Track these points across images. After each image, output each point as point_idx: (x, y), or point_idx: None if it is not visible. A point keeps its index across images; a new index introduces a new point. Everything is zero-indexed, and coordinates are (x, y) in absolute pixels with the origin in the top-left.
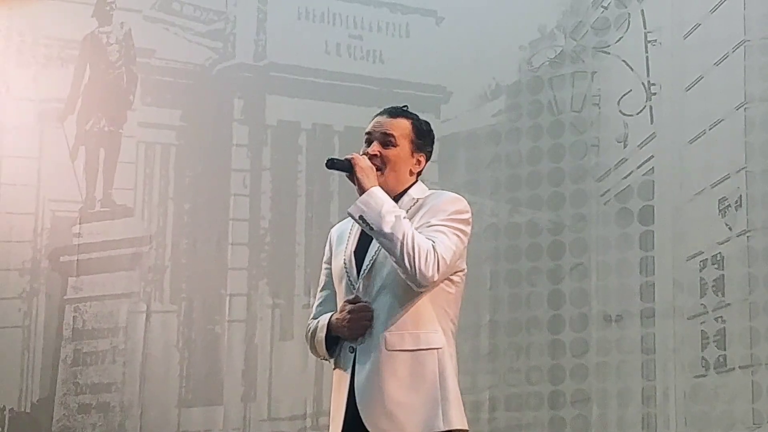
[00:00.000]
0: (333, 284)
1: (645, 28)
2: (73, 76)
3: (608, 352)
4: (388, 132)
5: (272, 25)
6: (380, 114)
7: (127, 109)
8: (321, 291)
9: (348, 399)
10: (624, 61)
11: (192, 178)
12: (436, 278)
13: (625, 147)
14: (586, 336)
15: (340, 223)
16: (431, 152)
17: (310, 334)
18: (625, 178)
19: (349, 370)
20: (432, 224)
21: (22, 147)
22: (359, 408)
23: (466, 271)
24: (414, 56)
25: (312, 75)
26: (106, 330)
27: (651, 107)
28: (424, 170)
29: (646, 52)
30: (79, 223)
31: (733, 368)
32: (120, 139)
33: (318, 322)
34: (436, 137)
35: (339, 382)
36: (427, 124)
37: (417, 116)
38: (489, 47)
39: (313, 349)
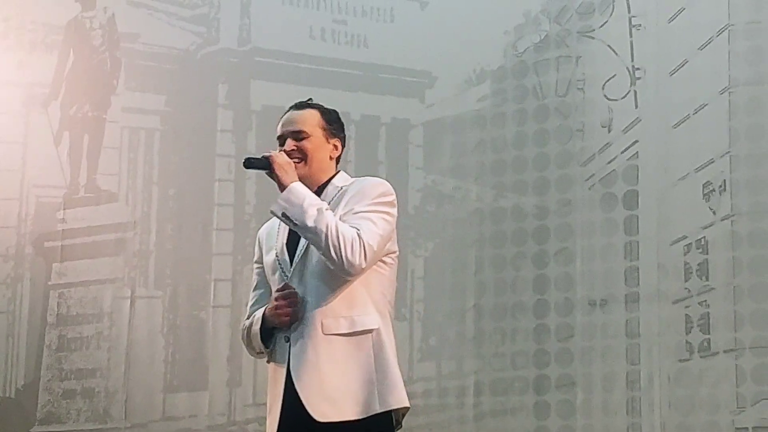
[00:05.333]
0: (265, 282)
1: (629, 13)
2: (57, 61)
3: (593, 337)
4: (297, 129)
5: (256, 9)
6: (286, 112)
7: (111, 94)
8: (254, 291)
9: (285, 389)
10: (608, 45)
11: (176, 163)
12: (364, 266)
13: (609, 131)
14: (571, 321)
15: (268, 222)
16: (345, 138)
17: (245, 332)
18: (610, 162)
19: (285, 361)
20: (357, 211)
21: (7, 132)
22: (300, 394)
23: (398, 252)
24: (399, 41)
25: (296, 60)
26: (91, 315)
27: (635, 92)
28: (410, 156)
29: (631, 36)
30: (64, 209)
31: (717, 352)
32: (104, 125)
33: (252, 317)
34: (420, 122)
35: (274, 374)
36: (335, 111)
37: (322, 105)
38: (474, 32)
39: (249, 346)
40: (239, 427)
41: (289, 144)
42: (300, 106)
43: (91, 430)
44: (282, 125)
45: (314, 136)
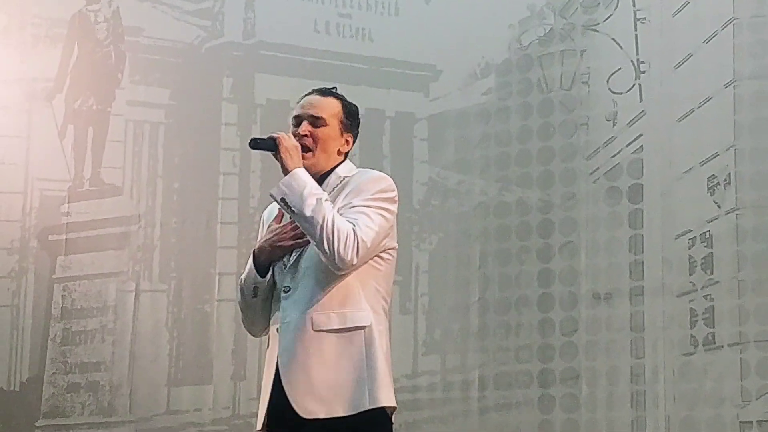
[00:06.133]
0: None
1: (634, 6)
2: (61, 54)
3: (597, 331)
4: (316, 115)
5: (261, 3)
6: (308, 94)
7: (115, 87)
8: None
9: (274, 380)
10: (613, 39)
11: (181, 156)
12: (355, 262)
13: (614, 125)
14: (576, 314)
15: (273, 204)
16: (357, 134)
17: (239, 291)
18: (614, 156)
19: (276, 351)
20: (354, 205)
21: (11, 126)
22: (286, 390)
23: (397, 248)
24: (403, 35)
25: (301, 53)
26: (95, 309)
27: (640, 85)
28: (415, 150)
29: (635, 29)
30: (68, 202)
31: (722, 346)
32: (108, 118)
33: (242, 278)
34: (425, 116)
35: (269, 362)
36: (355, 106)
37: (345, 97)
38: (478, 25)
39: (243, 298)
40: (243, 420)
41: (305, 127)
42: (324, 92)
43: (95, 424)
44: (302, 107)
45: (330, 126)
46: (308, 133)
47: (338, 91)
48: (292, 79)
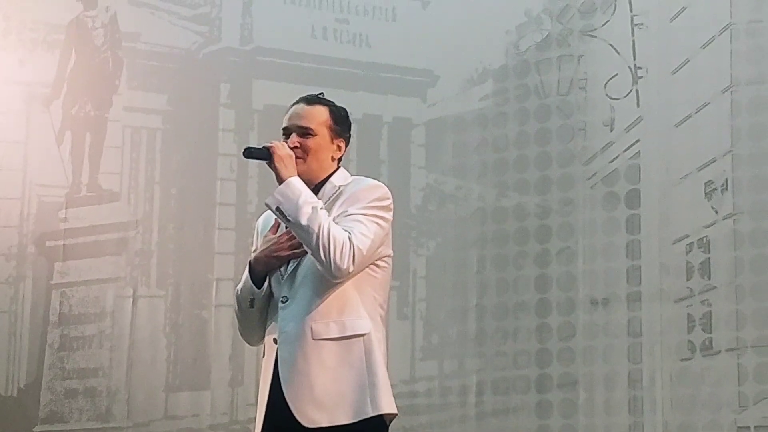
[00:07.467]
0: None
1: (631, 12)
2: (59, 60)
3: (595, 336)
4: (303, 125)
5: (258, 9)
6: (296, 103)
7: (112, 93)
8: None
9: (272, 390)
10: (610, 44)
11: (178, 162)
12: (351, 270)
13: (611, 130)
14: (573, 320)
15: (267, 212)
16: (349, 138)
17: (236, 301)
18: (612, 161)
19: (273, 362)
20: (350, 213)
21: (8, 131)
22: (289, 401)
23: (392, 255)
24: (401, 40)
25: (298, 59)
26: (93, 315)
27: (637, 91)
28: (412, 155)
29: (633, 35)
30: (66, 208)
31: (719, 351)
32: (106, 124)
33: (238, 288)
34: (422, 121)
35: (265, 371)
36: (344, 110)
37: (333, 103)
38: (476, 31)
39: (240, 308)
40: (241, 426)
41: (293, 140)
42: (311, 100)
43: (93, 430)
44: (289, 118)
45: (319, 135)
46: (298, 145)
47: (326, 97)
48: (289, 85)
